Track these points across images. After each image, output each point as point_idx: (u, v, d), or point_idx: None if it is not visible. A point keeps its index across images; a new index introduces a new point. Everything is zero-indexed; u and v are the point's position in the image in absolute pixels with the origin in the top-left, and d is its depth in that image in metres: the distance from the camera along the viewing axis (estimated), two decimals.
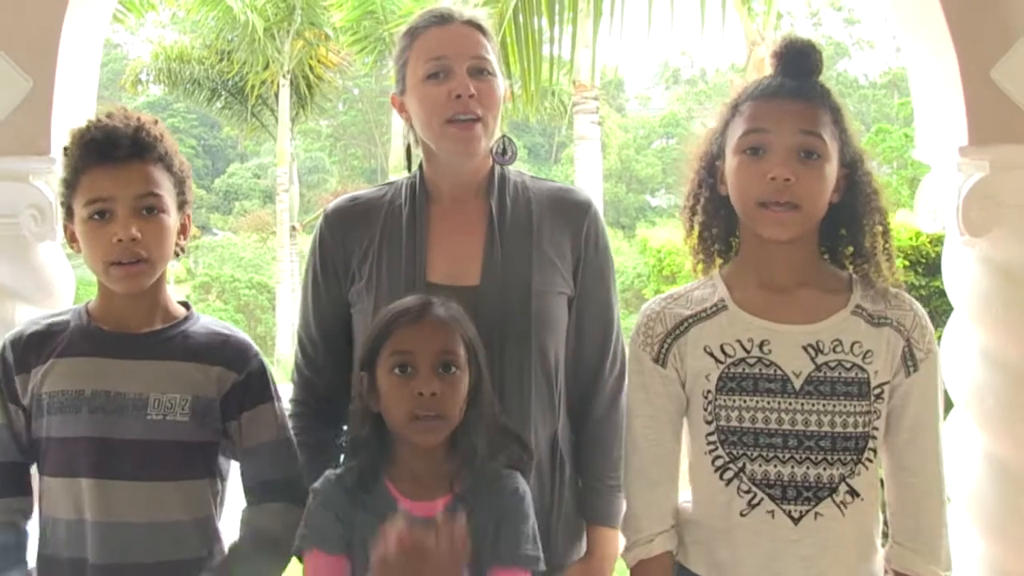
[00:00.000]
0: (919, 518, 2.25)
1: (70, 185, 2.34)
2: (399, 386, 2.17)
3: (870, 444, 2.20)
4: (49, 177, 3.34)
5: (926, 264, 6.32)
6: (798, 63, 2.26)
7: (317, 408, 2.62)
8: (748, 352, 2.22)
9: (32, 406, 2.35)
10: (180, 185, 2.39)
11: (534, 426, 2.46)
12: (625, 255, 23.01)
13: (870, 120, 38.82)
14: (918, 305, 2.29)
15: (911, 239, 6.36)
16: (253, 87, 22.89)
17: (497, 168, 2.60)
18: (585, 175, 17.08)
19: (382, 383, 2.20)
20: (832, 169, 2.20)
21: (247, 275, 28.78)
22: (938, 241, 6.14)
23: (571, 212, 2.59)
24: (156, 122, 2.40)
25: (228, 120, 27.74)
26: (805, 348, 2.20)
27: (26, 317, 3.31)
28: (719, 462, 2.24)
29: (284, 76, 22.80)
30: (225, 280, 27.93)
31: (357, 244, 2.57)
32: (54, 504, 2.34)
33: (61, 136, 3.34)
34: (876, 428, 2.21)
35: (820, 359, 2.19)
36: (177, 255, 2.42)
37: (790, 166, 2.15)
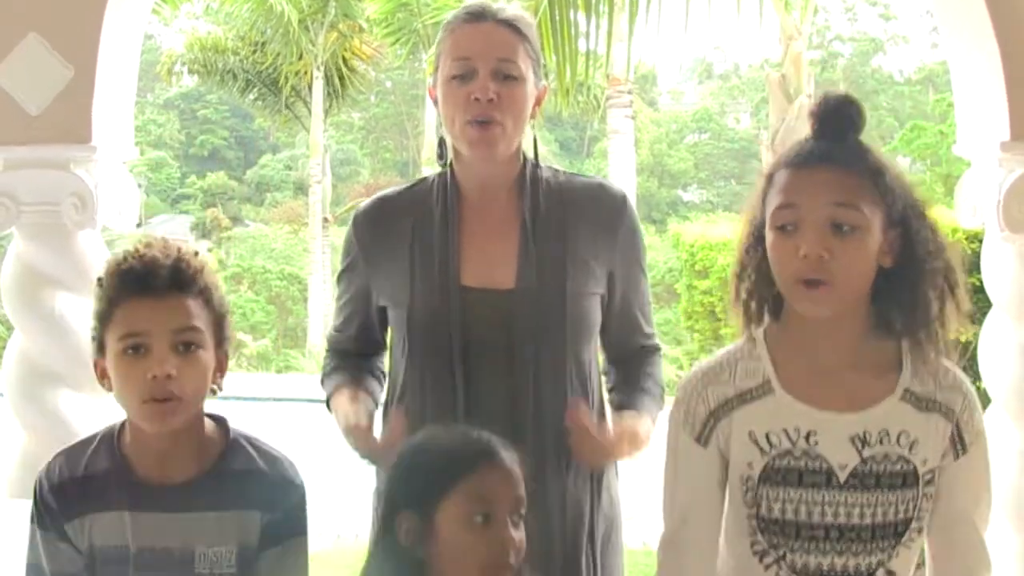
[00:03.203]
0: None
1: (104, 318, 2.22)
2: (478, 534, 1.99)
3: (913, 526, 2.14)
4: (90, 165, 3.37)
5: (961, 261, 6.27)
6: (835, 123, 2.14)
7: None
8: (794, 443, 2.14)
9: (86, 557, 2.28)
10: (220, 320, 2.28)
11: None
12: (657, 250, 22.88)
13: (904, 116, 38.54)
14: (968, 384, 2.19)
15: (947, 236, 6.32)
16: (287, 78, 22.95)
17: (530, 167, 2.57)
18: (618, 169, 17.10)
19: (449, 530, 1.99)
20: (873, 239, 2.08)
21: (278, 266, 28.82)
22: (974, 238, 6.09)
23: (606, 207, 2.57)
24: (196, 254, 2.30)
25: (261, 111, 27.78)
26: (852, 440, 2.12)
27: (65, 304, 3.37)
28: (759, 547, 2.19)
29: (318, 68, 22.84)
30: (256, 271, 27.99)
31: (388, 245, 2.55)
32: None
33: (102, 124, 3.38)
34: (924, 511, 2.14)
35: (867, 452, 2.12)
36: (213, 392, 2.30)
37: (822, 242, 2.04)
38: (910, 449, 2.12)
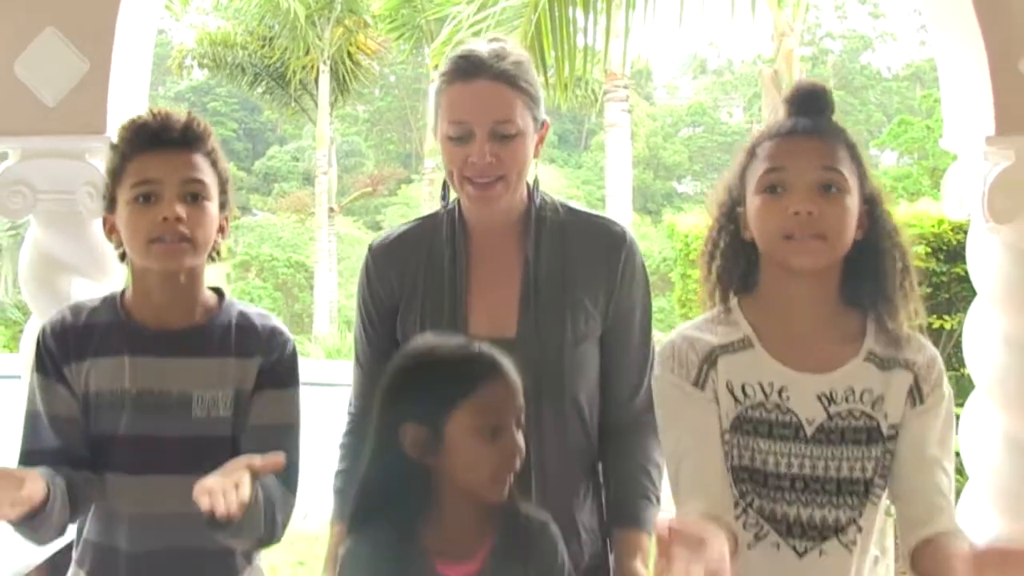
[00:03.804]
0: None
1: (117, 173, 2.29)
2: (487, 445, 2.00)
3: (878, 483, 2.16)
4: (104, 155, 3.37)
5: (947, 251, 6.29)
6: (810, 102, 2.20)
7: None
8: (767, 396, 2.18)
9: (80, 402, 2.31)
10: (223, 184, 2.35)
11: (573, 472, 2.45)
12: (652, 240, 22.91)
13: (892, 111, 38.54)
14: (933, 348, 2.23)
15: (933, 227, 6.33)
16: (294, 72, 22.95)
17: (535, 207, 2.52)
18: (615, 161, 17.09)
19: (460, 441, 2.00)
20: (854, 202, 2.14)
21: (285, 254, 28.85)
22: (959, 229, 6.11)
23: (607, 247, 2.51)
24: (205, 123, 2.37)
25: (269, 104, 27.79)
26: (819, 397, 2.16)
27: (80, 291, 3.36)
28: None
29: (324, 62, 22.84)
30: (264, 259, 28.03)
31: (402, 282, 2.53)
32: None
33: (116, 116, 3.37)
34: (888, 468, 2.16)
35: (833, 409, 2.15)
36: (213, 259, 2.37)
37: (812, 200, 2.10)
38: (873, 406, 2.16)
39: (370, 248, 2.60)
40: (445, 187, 2.57)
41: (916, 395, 2.18)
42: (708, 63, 48.89)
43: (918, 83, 39.08)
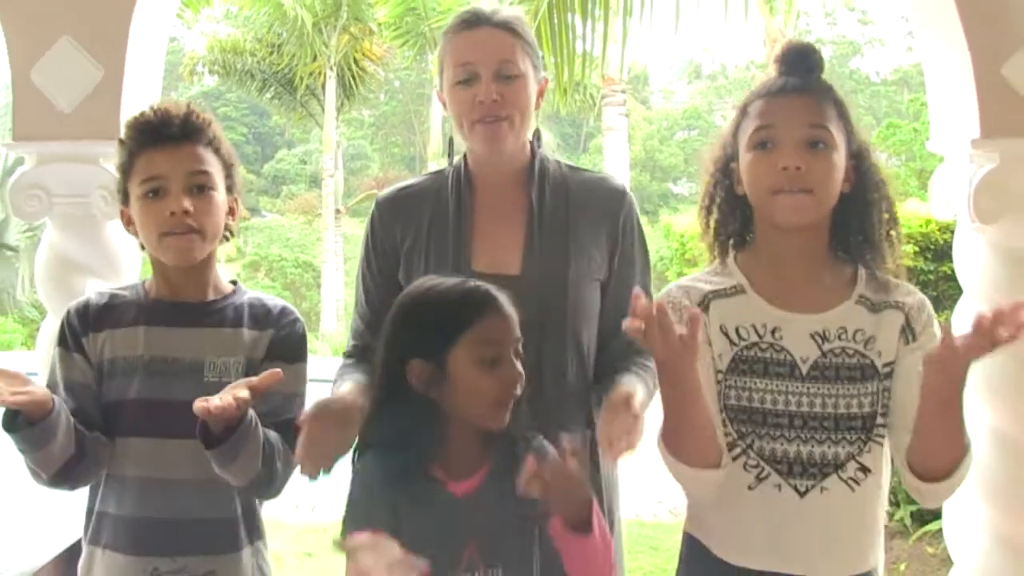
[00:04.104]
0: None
1: (126, 169, 2.34)
2: (487, 374, 2.04)
3: (879, 421, 2.17)
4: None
5: (934, 250, 6.28)
6: (799, 61, 2.24)
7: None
8: (760, 337, 2.20)
9: (95, 371, 2.35)
10: (228, 169, 2.39)
11: (568, 409, 2.45)
12: (648, 240, 22.84)
13: (881, 115, 38.43)
14: (921, 294, 2.27)
15: (921, 226, 6.32)
16: (301, 78, 22.95)
17: (538, 160, 2.58)
18: (613, 164, 17.07)
19: (462, 372, 2.04)
20: (840, 158, 2.17)
21: (293, 254, 28.84)
22: (946, 228, 6.10)
23: (607, 201, 2.58)
24: (204, 112, 2.40)
25: (277, 109, 27.74)
26: (812, 336, 2.18)
27: (93, 290, 3.38)
28: (729, 437, 2.20)
29: (330, 68, 22.82)
30: (273, 259, 28.02)
31: (406, 231, 2.57)
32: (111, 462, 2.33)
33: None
34: (886, 406, 2.18)
35: (826, 346, 2.17)
36: (227, 238, 2.41)
37: (800, 156, 2.14)
38: (865, 345, 2.18)
39: (377, 201, 2.64)
40: (451, 145, 2.66)
41: (908, 333, 2.20)
42: (703, 68, 48.83)
43: (906, 87, 39.01)
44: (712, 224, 2.34)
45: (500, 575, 2.06)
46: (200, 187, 2.31)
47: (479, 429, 2.09)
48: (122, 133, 2.38)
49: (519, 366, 2.08)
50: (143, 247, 2.41)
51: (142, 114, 2.36)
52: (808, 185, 2.14)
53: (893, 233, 2.26)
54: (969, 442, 2.12)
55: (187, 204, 2.27)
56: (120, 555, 2.31)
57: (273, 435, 2.27)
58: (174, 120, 2.32)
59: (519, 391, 2.08)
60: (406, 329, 2.12)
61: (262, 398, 2.23)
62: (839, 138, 2.17)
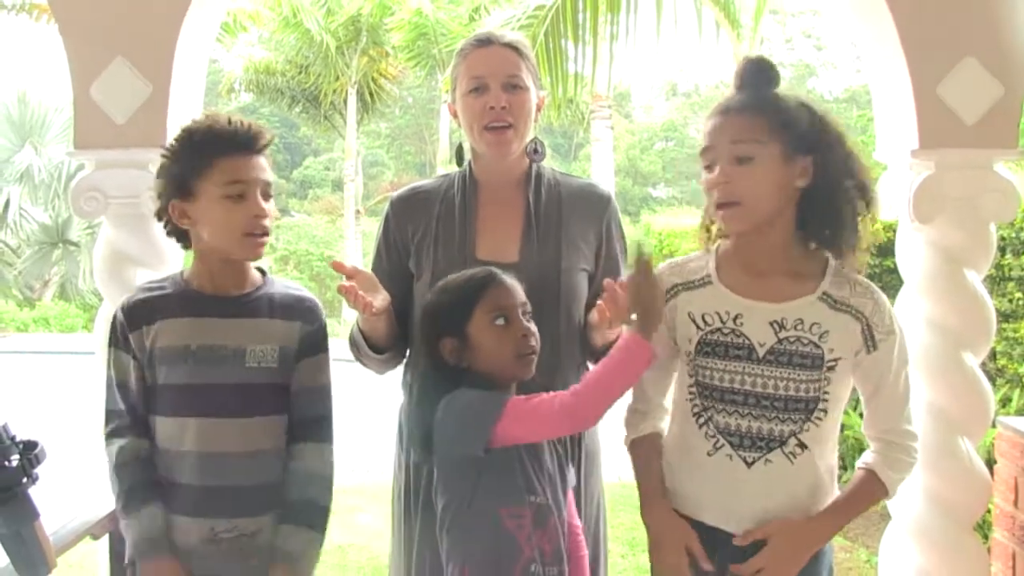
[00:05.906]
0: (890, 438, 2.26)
1: (199, 169, 2.29)
2: (502, 333, 2.18)
3: (820, 406, 2.17)
4: None
5: (879, 247, 6.23)
6: (749, 76, 2.22)
7: None
8: (723, 323, 2.21)
9: (145, 360, 2.35)
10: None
11: (564, 376, 2.46)
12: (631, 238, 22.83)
13: None
14: (880, 295, 2.24)
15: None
16: (326, 95, 22.89)
17: (534, 166, 2.61)
18: (599, 170, 17.07)
19: (482, 336, 2.18)
20: (773, 166, 2.14)
21: (319, 250, 28.71)
22: (889, 228, 6.08)
23: (595, 205, 2.61)
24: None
25: (304, 122, 27.70)
26: (771, 324, 2.18)
27: (143, 279, 3.39)
28: (696, 408, 2.23)
29: (351, 86, 22.77)
30: (301, 254, 27.91)
31: (417, 225, 2.58)
32: (163, 439, 2.35)
33: (174, 131, 3.39)
34: (827, 393, 2.17)
35: (782, 334, 2.17)
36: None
37: (726, 173, 2.15)
38: (820, 338, 2.17)
39: (391, 200, 2.67)
40: (459, 152, 2.67)
41: (870, 342, 2.19)
42: (679, 87, 48.65)
43: (855, 105, 38.77)
44: (705, 220, 2.36)
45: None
46: (266, 195, 2.34)
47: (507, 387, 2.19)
48: (191, 137, 2.34)
49: (531, 323, 2.20)
50: (188, 243, 2.40)
51: (219, 123, 2.33)
52: (735, 198, 2.15)
53: (864, 221, 2.21)
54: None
55: (269, 211, 2.32)
56: (184, 518, 2.33)
57: (317, 482, 2.41)
58: (259, 136, 2.33)
59: (535, 344, 2.18)
60: (434, 316, 2.25)
61: (301, 394, 2.38)
62: (770, 148, 2.13)
